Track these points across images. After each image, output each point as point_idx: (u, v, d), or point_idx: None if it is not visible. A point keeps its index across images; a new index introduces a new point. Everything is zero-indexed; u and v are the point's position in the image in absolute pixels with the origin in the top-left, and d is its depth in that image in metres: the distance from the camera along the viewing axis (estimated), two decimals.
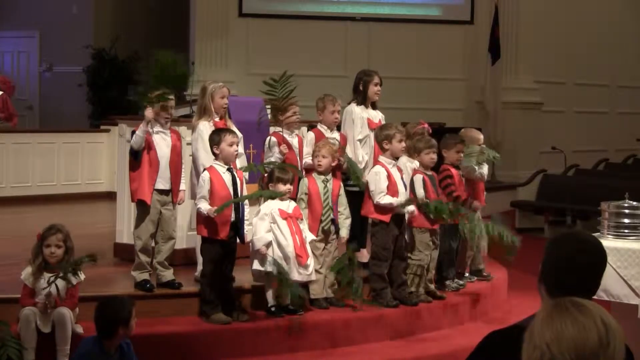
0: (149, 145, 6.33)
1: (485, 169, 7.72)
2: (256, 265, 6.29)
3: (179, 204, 6.58)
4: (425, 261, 7.08)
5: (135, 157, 6.35)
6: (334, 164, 6.76)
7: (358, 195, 6.98)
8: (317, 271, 6.62)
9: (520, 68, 15.09)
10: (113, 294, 4.90)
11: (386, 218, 6.77)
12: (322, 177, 6.71)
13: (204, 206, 6.06)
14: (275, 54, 14.56)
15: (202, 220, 6.13)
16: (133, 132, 6.39)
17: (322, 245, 6.69)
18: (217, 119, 6.62)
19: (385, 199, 6.70)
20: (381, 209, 6.75)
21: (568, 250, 2.59)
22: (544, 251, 2.63)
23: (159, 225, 6.43)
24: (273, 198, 6.28)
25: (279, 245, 6.26)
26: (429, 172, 7.16)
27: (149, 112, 6.27)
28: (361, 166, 7.25)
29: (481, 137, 7.85)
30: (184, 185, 6.57)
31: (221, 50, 14.52)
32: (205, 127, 6.45)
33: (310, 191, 6.66)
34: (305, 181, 6.70)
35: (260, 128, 7.34)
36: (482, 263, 7.97)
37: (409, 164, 7.18)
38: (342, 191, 6.82)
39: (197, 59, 13.41)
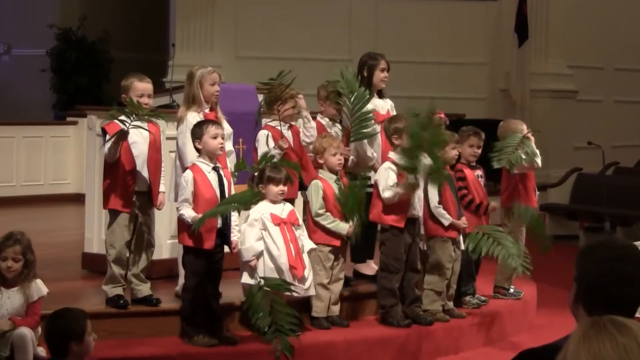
0: (123, 148, 6.30)
1: (538, 157, 7.65)
2: (245, 278, 6.28)
3: (158, 208, 6.57)
4: (446, 275, 7.09)
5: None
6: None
7: (368, 198, 6.97)
8: (323, 286, 6.64)
9: (551, 51, 15.08)
10: (65, 307, 4.88)
11: (400, 223, 6.77)
12: (333, 176, 6.71)
13: (188, 212, 6.05)
14: (268, 35, 14.55)
15: (186, 228, 6.12)
16: (104, 132, 6.32)
17: (332, 256, 6.69)
18: (207, 110, 6.61)
19: (388, 192, 6.69)
20: (394, 210, 6.73)
21: (620, 260, 2.54)
22: (577, 265, 2.60)
23: (135, 231, 6.43)
24: (254, 200, 6.18)
25: (270, 255, 6.26)
26: (446, 172, 7.15)
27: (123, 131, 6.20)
28: (370, 163, 7.25)
29: (524, 127, 7.85)
30: (163, 187, 6.57)
31: (206, 30, 14.51)
32: (195, 119, 6.43)
33: (325, 193, 6.66)
34: (319, 184, 6.69)
35: (257, 123, 7.29)
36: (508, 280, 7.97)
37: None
38: None
39: (177, 41, 13.39)
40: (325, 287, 6.66)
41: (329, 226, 6.63)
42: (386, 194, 6.72)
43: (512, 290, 7.94)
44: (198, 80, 6.57)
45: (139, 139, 6.36)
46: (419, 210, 6.88)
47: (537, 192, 7.97)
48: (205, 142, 6.14)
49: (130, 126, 6.14)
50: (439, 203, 7.03)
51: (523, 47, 14.70)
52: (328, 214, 6.64)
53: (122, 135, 6.16)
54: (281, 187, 6.36)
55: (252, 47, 14.48)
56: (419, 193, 6.88)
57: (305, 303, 6.63)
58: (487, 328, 7.34)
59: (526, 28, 14.67)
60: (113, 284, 6.40)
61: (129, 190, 6.34)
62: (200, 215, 5.93)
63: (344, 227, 6.62)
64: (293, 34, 14.55)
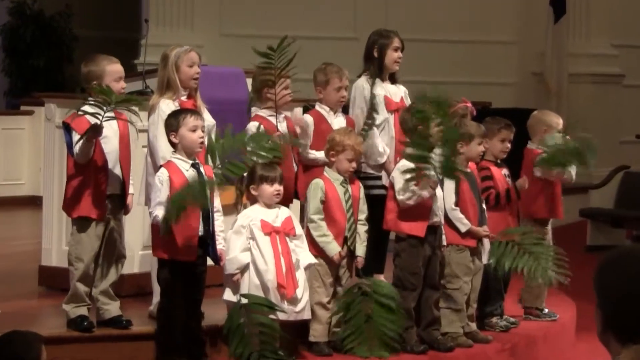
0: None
1: (573, 168, 7.69)
2: (228, 295, 6.29)
3: (124, 213, 6.56)
4: (465, 290, 7.09)
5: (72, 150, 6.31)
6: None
7: (378, 202, 6.98)
8: (323, 306, 6.63)
9: (592, 27, 15.07)
10: (16, 330, 4.88)
11: (419, 232, 6.76)
12: (340, 177, 6.70)
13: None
14: (259, 9, 14.54)
15: (161, 237, 6.10)
16: (67, 127, 6.28)
17: (335, 271, 6.67)
18: (184, 98, 6.60)
19: (404, 194, 6.66)
20: (413, 217, 6.73)
21: None
22: (597, 286, 2.53)
23: (104, 240, 6.41)
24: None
25: (256, 270, 6.25)
26: (467, 170, 7.15)
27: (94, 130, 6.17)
28: (382, 160, 7.24)
29: (560, 121, 7.86)
30: (132, 188, 6.56)
31: (185, 3, 14.51)
32: (169, 108, 6.43)
33: (327, 196, 6.65)
34: (319, 184, 6.69)
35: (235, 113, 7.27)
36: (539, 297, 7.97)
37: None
38: (362, 194, 6.82)
39: (152, 16, 13.39)
40: (324, 306, 6.65)
41: (317, 239, 6.60)
42: (401, 195, 6.71)
43: (546, 311, 7.93)
44: (173, 61, 6.57)
45: (109, 132, 6.34)
46: (440, 216, 6.87)
47: (561, 197, 7.94)
48: (182, 135, 6.13)
49: (104, 119, 6.11)
50: (456, 205, 7.03)
51: (560, 24, 14.68)
52: (322, 224, 6.61)
53: (96, 130, 6.13)
54: (276, 187, 6.35)
55: (240, 23, 14.46)
56: (440, 196, 6.88)
57: (304, 326, 6.61)
58: (518, 355, 7.33)
59: (563, 1, 14.66)
60: (76, 303, 6.38)
61: (102, 194, 6.31)
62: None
63: (333, 249, 6.58)
64: (288, 7, 14.53)
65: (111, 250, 6.45)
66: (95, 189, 6.32)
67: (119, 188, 6.44)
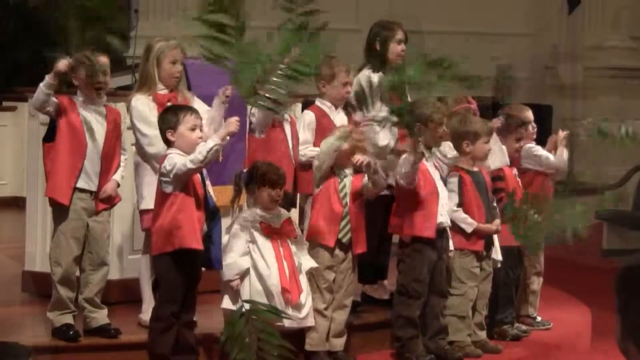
0: (71, 124, 6.31)
1: (564, 154, 7.71)
2: (227, 302, 6.29)
3: (101, 198, 6.42)
4: (470, 296, 7.09)
5: (50, 136, 6.31)
6: (356, 160, 6.71)
7: (379, 204, 6.98)
8: (320, 313, 6.62)
9: (609, 18, 15.06)
10: (1, 342, 4.89)
11: (425, 233, 6.77)
12: (337, 169, 6.69)
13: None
14: None
15: (166, 230, 5.98)
16: (52, 122, 6.32)
17: (332, 275, 6.69)
18: (163, 91, 6.58)
19: (401, 170, 6.67)
20: (420, 218, 6.74)
21: None
22: (618, 292, 2.54)
23: (86, 244, 6.42)
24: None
25: (258, 275, 6.25)
26: (474, 168, 7.16)
27: (62, 64, 6.18)
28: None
29: (530, 114, 7.84)
30: (118, 174, 6.49)
31: None
32: (140, 104, 6.45)
33: (324, 185, 6.65)
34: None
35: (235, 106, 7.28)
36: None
37: (451, 152, 7.13)
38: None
39: (142, 6, 13.39)
40: (321, 313, 6.63)
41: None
42: (400, 174, 6.69)
43: (539, 319, 7.92)
44: (156, 55, 6.58)
45: (96, 125, 6.35)
46: (446, 217, 6.88)
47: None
48: (180, 134, 6.07)
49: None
50: (459, 206, 7.04)
51: (574, 14, 14.68)
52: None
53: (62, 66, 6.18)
54: (277, 192, 6.34)
55: None
56: (445, 196, 6.89)
57: (300, 335, 6.61)
58: None
59: None
60: (60, 310, 6.39)
61: (73, 182, 6.31)
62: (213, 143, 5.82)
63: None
64: None
65: (94, 255, 6.43)
66: (69, 175, 6.31)
67: (97, 185, 6.41)
